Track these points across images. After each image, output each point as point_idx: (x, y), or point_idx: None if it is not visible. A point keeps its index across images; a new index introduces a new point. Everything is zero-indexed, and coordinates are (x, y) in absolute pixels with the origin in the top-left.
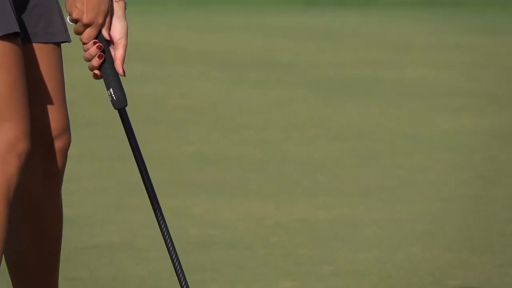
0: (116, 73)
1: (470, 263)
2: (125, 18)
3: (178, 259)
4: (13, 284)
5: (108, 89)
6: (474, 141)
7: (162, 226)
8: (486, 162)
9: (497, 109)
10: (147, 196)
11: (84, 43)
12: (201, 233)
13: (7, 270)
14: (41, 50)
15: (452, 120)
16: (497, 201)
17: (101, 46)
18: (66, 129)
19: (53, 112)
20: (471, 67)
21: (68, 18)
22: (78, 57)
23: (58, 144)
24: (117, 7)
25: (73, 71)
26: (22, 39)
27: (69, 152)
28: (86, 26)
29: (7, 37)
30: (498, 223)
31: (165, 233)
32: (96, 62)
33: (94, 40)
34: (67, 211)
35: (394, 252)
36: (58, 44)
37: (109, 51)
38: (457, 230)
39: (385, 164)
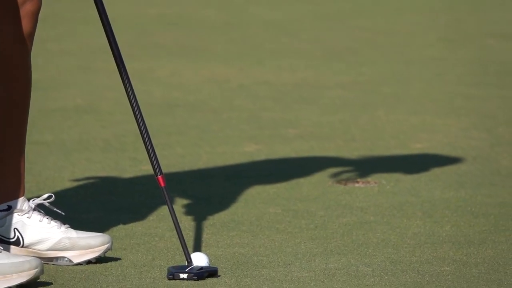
0: None
1: (435, 126)
2: None
3: (143, 121)
4: None
5: None
6: (438, 3)
7: (128, 89)
8: (450, 24)
9: None
10: (112, 59)
11: None
12: (165, 95)
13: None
14: None
15: None
16: (462, 64)
17: None
18: None
19: None
20: None
21: None
22: None
23: (28, 7)
24: None
25: None
26: None
27: None
28: None
29: None
30: (463, 86)
31: (131, 96)
32: None
33: None
34: (32, 74)
35: (359, 115)
36: None
37: None
38: (421, 92)
39: (349, 25)
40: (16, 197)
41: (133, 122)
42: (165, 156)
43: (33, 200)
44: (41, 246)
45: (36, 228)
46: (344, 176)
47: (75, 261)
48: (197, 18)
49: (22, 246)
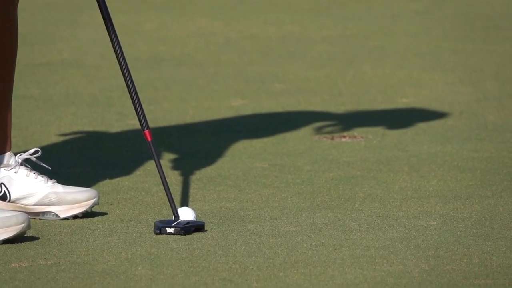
0: None
1: (421, 81)
2: None
3: (130, 76)
4: None
5: None
6: None
7: (115, 43)
8: None
9: None
10: (99, 13)
11: None
12: (151, 50)
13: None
14: None
15: None
16: (449, 18)
17: None
18: None
19: None
20: None
21: None
22: None
23: None
24: None
25: None
26: None
27: None
28: None
29: None
30: (449, 40)
31: (118, 51)
32: None
33: None
34: (18, 29)
35: (345, 69)
36: None
37: None
38: (408, 47)
39: None
40: (3, 152)
41: (120, 77)
42: (152, 110)
43: (20, 155)
44: (28, 201)
45: (23, 183)
46: (331, 130)
47: (62, 215)
48: None
49: (9, 201)
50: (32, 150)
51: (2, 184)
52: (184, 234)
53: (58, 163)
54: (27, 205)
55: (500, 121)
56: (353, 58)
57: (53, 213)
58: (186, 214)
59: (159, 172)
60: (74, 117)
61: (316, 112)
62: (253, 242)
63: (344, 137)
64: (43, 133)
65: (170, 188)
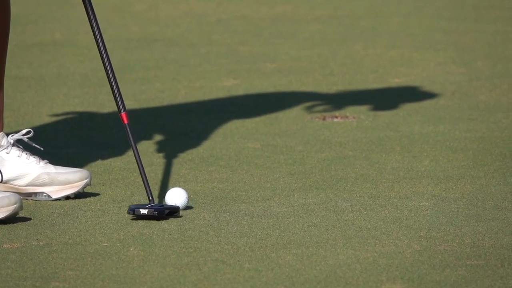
0: None
1: (413, 61)
2: None
3: (108, 57)
4: None
5: None
6: None
7: (93, 24)
8: None
9: None
10: None
11: None
12: (143, 30)
13: None
14: None
15: None
16: None
17: None
18: None
19: None
20: None
21: None
22: None
23: None
24: None
25: None
26: None
27: None
28: None
29: None
30: (441, 20)
31: (96, 32)
32: None
33: None
34: (11, 8)
35: (337, 49)
36: None
37: None
38: (399, 27)
39: None
40: None
41: (111, 57)
42: (144, 90)
43: (12, 136)
44: (20, 182)
45: (15, 164)
46: (323, 110)
47: (54, 196)
48: None
49: (1, 182)
50: (24, 131)
51: None
52: (158, 215)
53: (50, 143)
54: (19, 185)
55: (492, 101)
56: (345, 38)
57: (45, 194)
58: (177, 194)
59: (135, 154)
60: (66, 98)
61: (308, 92)
62: (245, 223)
63: (336, 117)
64: (35, 113)
65: (163, 168)
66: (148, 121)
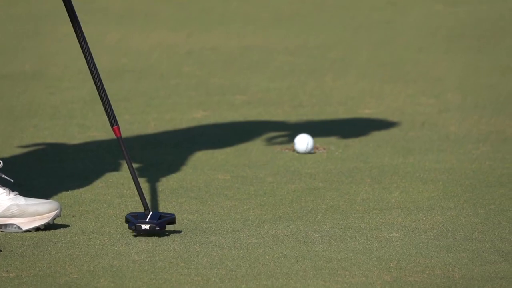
0: None
1: (383, 92)
2: None
3: (98, 74)
4: None
5: None
6: None
7: (81, 40)
8: None
9: None
10: (60, 25)
11: None
12: (113, 61)
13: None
14: None
15: None
16: (410, 28)
17: None
18: None
19: None
20: None
21: None
22: None
23: None
24: None
25: None
26: None
27: None
28: None
29: None
30: (411, 51)
31: (85, 48)
32: None
33: None
34: None
35: (306, 80)
36: None
37: None
38: (369, 58)
39: None
40: None
41: (81, 88)
42: None
43: None
44: None
45: None
46: (293, 142)
47: (24, 228)
48: None
49: None
50: None
51: None
52: (160, 230)
53: (20, 175)
54: None
55: (462, 132)
56: (315, 69)
57: (15, 225)
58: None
59: (128, 166)
60: (36, 129)
61: (278, 123)
62: (215, 254)
63: None
64: (6, 145)
65: (133, 199)
66: (118, 153)
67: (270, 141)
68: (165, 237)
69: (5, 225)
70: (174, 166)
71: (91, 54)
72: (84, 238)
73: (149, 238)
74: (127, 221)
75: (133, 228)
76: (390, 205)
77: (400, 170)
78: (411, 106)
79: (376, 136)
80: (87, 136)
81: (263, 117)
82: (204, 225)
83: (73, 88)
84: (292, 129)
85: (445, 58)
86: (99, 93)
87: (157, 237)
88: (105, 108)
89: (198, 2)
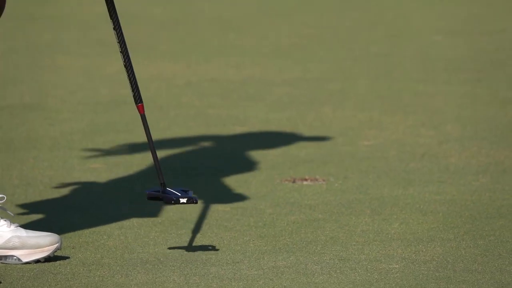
0: None
1: (382, 123)
2: None
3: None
4: None
5: None
6: None
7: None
8: (397, 20)
9: None
10: (59, 56)
11: None
12: (112, 93)
13: None
14: None
15: None
16: (409, 60)
17: None
18: None
19: None
20: None
21: None
22: None
23: None
24: None
25: None
26: None
27: None
28: None
29: None
30: (410, 82)
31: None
32: None
33: None
34: None
35: (306, 112)
36: None
37: None
38: (368, 89)
39: (296, 21)
40: None
41: (80, 120)
42: (113, 153)
43: None
44: None
45: None
46: (292, 173)
47: (24, 260)
48: (144, 15)
49: None
50: None
51: None
52: (197, 203)
53: (20, 207)
54: None
55: (461, 164)
56: (314, 100)
57: (15, 257)
58: None
59: (148, 141)
60: (35, 161)
61: (277, 154)
62: (215, 285)
63: (306, 179)
64: (5, 177)
65: (131, 229)
66: (116, 184)
67: (269, 172)
68: (165, 268)
69: (5, 257)
70: None
71: (121, 28)
72: (84, 269)
73: (148, 269)
74: (152, 197)
75: (173, 201)
76: (390, 236)
77: (400, 202)
78: (411, 137)
79: (376, 167)
80: (86, 167)
81: (263, 148)
82: (204, 256)
83: (72, 119)
84: (292, 161)
85: (444, 89)
86: (126, 70)
87: (157, 268)
88: (131, 84)
89: (197, 34)
